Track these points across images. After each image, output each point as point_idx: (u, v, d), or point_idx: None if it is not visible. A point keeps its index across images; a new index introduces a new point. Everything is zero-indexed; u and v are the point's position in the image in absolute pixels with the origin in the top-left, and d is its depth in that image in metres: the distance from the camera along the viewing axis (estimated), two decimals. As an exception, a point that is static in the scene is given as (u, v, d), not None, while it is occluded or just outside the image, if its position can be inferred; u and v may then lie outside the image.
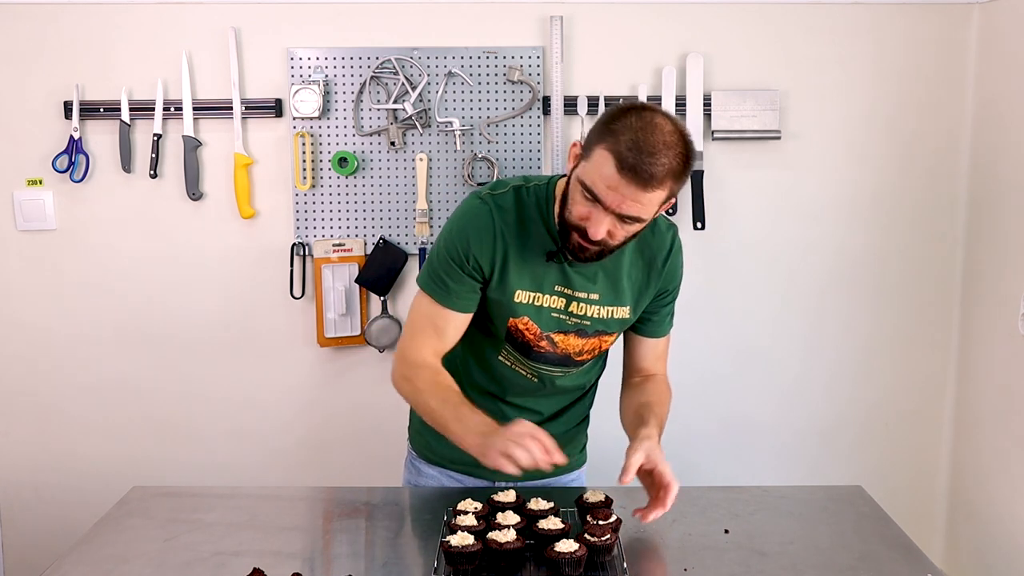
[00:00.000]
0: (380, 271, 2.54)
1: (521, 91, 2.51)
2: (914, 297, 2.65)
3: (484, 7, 2.50)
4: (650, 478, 1.65)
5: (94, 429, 2.64)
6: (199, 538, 1.70)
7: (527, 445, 1.56)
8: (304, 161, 2.51)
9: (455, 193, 2.54)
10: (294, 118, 2.50)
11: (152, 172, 2.52)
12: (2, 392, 2.63)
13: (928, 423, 2.70)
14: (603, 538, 1.56)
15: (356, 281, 2.56)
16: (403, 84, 2.48)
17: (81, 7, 2.47)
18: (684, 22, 2.51)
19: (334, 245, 2.55)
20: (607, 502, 1.70)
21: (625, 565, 1.56)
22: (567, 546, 1.52)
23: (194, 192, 2.53)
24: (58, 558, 1.65)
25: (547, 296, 1.75)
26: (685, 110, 2.51)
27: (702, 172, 2.52)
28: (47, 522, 2.67)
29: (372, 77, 2.49)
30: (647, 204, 1.56)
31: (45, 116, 2.50)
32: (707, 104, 2.51)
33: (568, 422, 1.96)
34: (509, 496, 1.72)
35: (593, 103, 2.50)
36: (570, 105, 2.50)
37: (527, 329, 1.77)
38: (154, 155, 2.50)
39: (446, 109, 2.51)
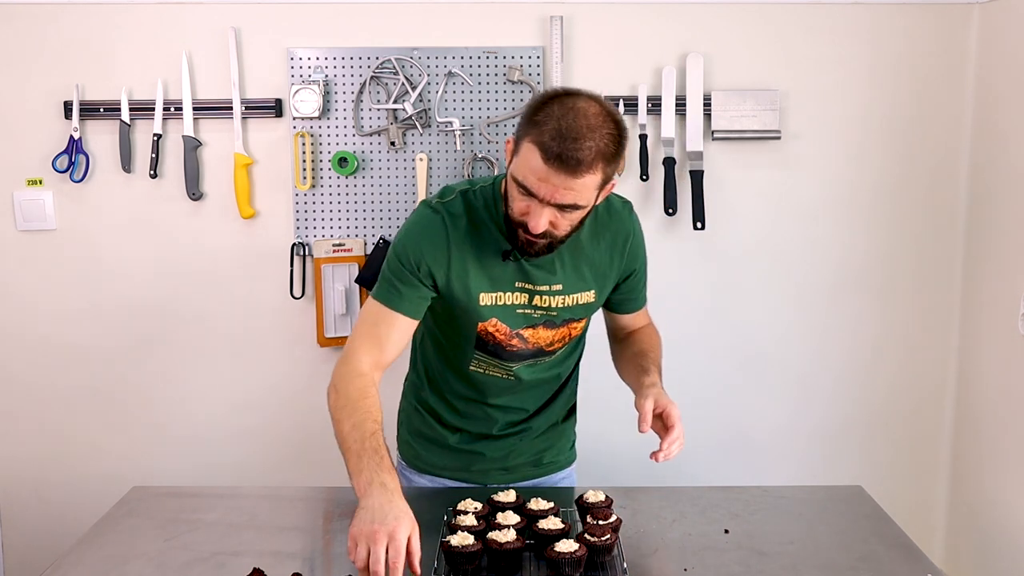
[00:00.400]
0: (380, 271, 2.53)
1: (521, 91, 2.51)
2: (914, 297, 2.65)
3: (484, 7, 2.50)
4: (660, 421, 1.69)
5: (94, 429, 2.64)
6: (199, 538, 1.70)
7: (375, 571, 1.39)
8: (304, 161, 2.51)
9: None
10: (294, 118, 2.50)
11: (152, 172, 2.52)
12: (2, 392, 2.63)
13: (928, 423, 2.70)
14: (603, 538, 1.56)
15: (356, 281, 2.56)
16: (403, 84, 2.48)
17: (81, 7, 2.47)
18: (684, 22, 2.51)
19: (334, 245, 2.55)
20: (607, 502, 1.70)
21: (625, 565, 1.56)
22: (567, 546, 1.52)
23: (194, 192, 2.53)
24: (58, 558, 1.65)
25: (510, 294, 1.75)
26: (685, 110, 2.51)
27: (702, 172, 2.52)
28: (47, 522, 2.67)
29: (372, 77, 2.49)
30: (581, 190, 1.54)
31: (45, 116, 2.50)
32: (707, 104, 2.51)
33: (553, 415, 1.96)
34: (509, 496, 1.72)
35: (593, 103, 2.50)
36: (570, 105, 2.50)
37: (497, 330, 1.76)
38: (154, 155, 2.50)
39: (446, 109, 2.51)
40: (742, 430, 2.70)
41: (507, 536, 1.55)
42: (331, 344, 2.58)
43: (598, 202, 1.65)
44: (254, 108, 2.50)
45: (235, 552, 1.64)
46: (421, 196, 2.52)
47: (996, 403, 2.45)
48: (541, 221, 1.57)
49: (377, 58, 2.48)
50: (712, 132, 2.52)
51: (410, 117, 2.48)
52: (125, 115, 2.49)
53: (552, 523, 1.61)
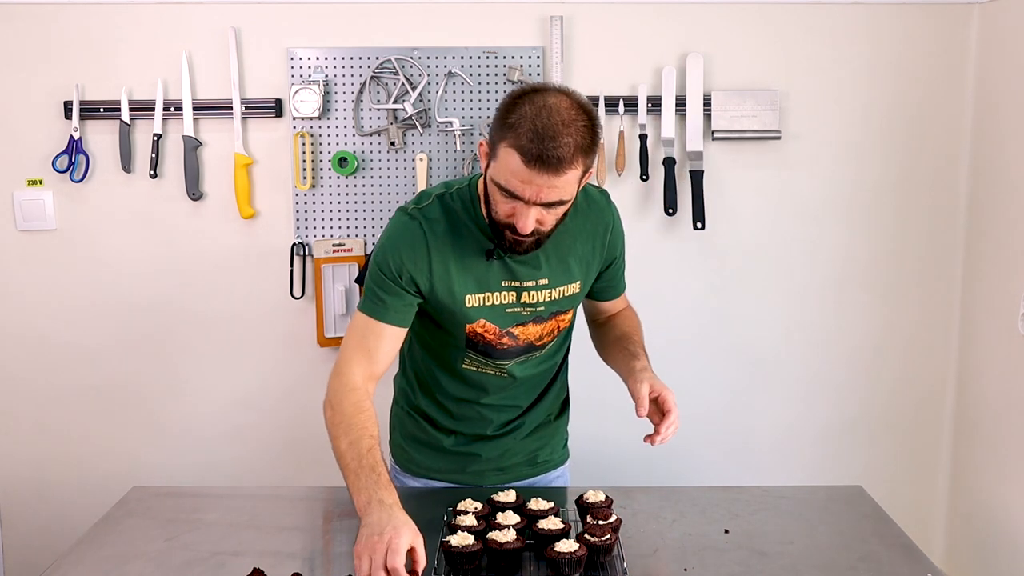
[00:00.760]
0: (380, 271, 2.54)
1: (521, 91, 2.50)
2: (914, 297, 2.65)
3: (484, 7, 2.50)
4: (655, 406, 1.71)
5: (94, 429, 2.64)
6: (199, 538, 1.70)
7: (375, 569, 1.42)
8: (304, 161, 2.51)
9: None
10: (294, 118, 2.50)
11: (152, 172, 2.52)
12: (2, 392, 2.63)
13: (928, 423, 2.70)
14: (603, 538, 1.56)
15: (356, 281, 2.56)
16: (403, 84, 2.48)
17: (81, 7, 2.47)
18: (684, 22, 2.51)
19: (334, 245, 2.55)
20: (607, 502, 1.70)
21: (625, 565, 1.56)
22: (567, 546, 1.52)
23: (194, 192, 2.53)
24: (58, 558, 1.65)
25: (497, 294, 1.75)
26: (685, 110, 2.51)
27: (702, 172, 2.52)
28: (47, 522, 2.67)
29: (372, 77, 2.49)
30: (564, 186, 1.55)
31: (45, 116, 2.50)
32: (707, 104, 2.51)
33: (546, 410, 1.96)
34: (509, 496, 1.72)
35: (593, 103, 2.49)
36: (570, 105, 2.50)
37: (485, 331, 1.76)
38: (154, 155, 2.50)
39: (446, 109, 2.51)
40: (742, 430, 2.70)
41: (507, 536, 1.55)
42: (331, 344, 2.58)
43: (577, 192, 1.65)
44: (254, 108, 2.50)
45: (235, 552, 1.64)
46: (421, 196, 2.52)
47: (996, 403, 2.45)
48: (529, 222, 1.57)
49: (377, 58, 2.48)
50: (712, 132, 2.52)
51: (410, 117, 2.48)
52: (125, 115, 2.49)
53: (552, 523, 1.61)
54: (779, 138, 2.54)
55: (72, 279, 2.58)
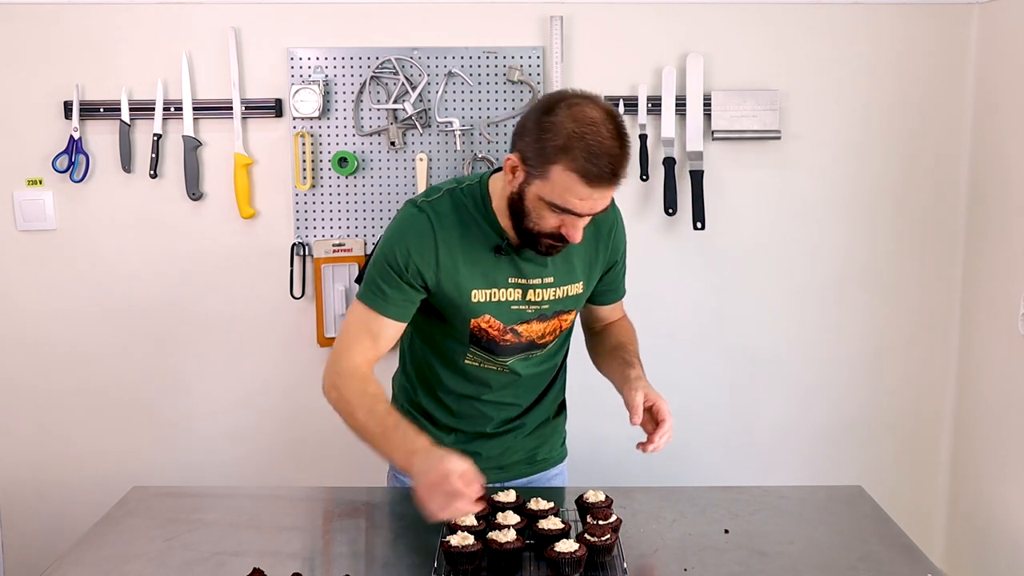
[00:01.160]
0: (380, 271, 2.54)
1: (521, 91, 2.51)
2: (914, 297, 2.65)
3: (484, 7, 2.50)
4: (648, 415, 1.72)
5: (94, 429, 2.64)
6: (199, 538, 1.70)
7: (459, 508, 1.50)
8: (304, 161, 2.51)
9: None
10: (294, 118, 2.50)
11: (152, 172, 2.52)
12: (2, 392, 2.63)
13: (928, 423, 2.70)
14: (603, 538, 1.56)
15: (356, 281, 2.56)
16: (403, 84, 2.48)
17: (81, 7, 2.47)
18: (684, 22, 2.51)
19: (334, 245, 2.55)
20: (607, 502, 1.70)
21: (625, 565, 1.56)
22: (567, 546, 1.52)
23: (194, 192, 2.53)
24: (58, 558, 1.65)
25: (503, 290, 1.76)
26: (685, 110, 2.51)
27: (702, 172, 2.52)
28: (47, 522, 2.67)
29: (372, 77, 2.49)
30: (613, 192, 1.61)
31: (45, 116, 2.50)
32: (707, 104, 2.51)
33: (546, 410, 1.97)
34: (509, 496, 1.72)
35: (593, 103, 2.50)
36: (570, 105, 2.50)
37: (490, 326, 1.77)
38: (154, 155, 2.50)
39: (446, 109, 2.51)
40: (742, 430, 2.70)
41: (507, 536, 1.55)
42: (331, 344, 2.57)
43: None
44: (254, 108, 2.50)
45: (235, 552, 1.64)
46: (421, 196, 2.52)
47: (996, 403, 2.45)
48: (580, 232, 1.63)
49: (377, 58, 2.48)
50: (712, 132, 2.52)
51: (410, 117, 2.48)
52: (125, 115, 2.49)
53: (552, 523, 1.61)
54: (779, 138, 2.54)
55: (72, 279, 2.58)
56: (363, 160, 2.53)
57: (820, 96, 2.55)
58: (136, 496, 1.90)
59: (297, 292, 2.57)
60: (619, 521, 1.66)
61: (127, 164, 2.51)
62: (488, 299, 1.75)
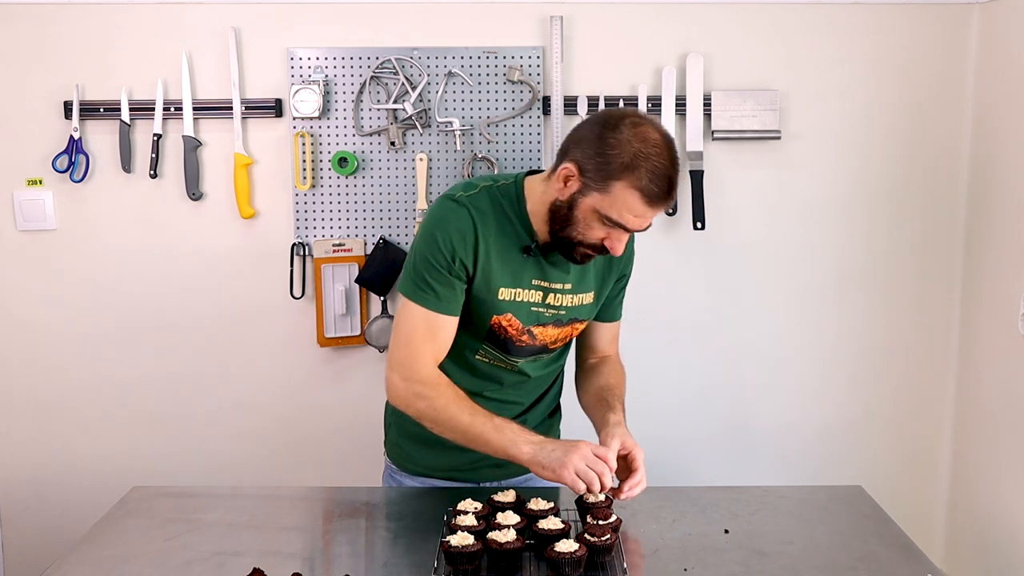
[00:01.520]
0: (380, 271, 2.54)
1: (521, 91, 2.50)
2: (914, 297, 2.65)
3: (484, 7, 2.50)
4: (623, 462, 1.73)
5: (94, 429, 2.64)
6: (199, 538, 1.70)
7: (601, 471, 1.63)
8: (304, 161, 2.51)
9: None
10: (294, 118, 2.50)
11: (152, 172, 2.52)
12: (2, 392, 2.63)
13: (928, 423, 2.70)
14: (603, 538, 1.56)
15: (356, 281, 2.56)
16: (403, 84, 2.48)
17: (81, 7, 2.47)
18: (684, 22, 2.51)
19: (334, 245, 2.55)
20: (607, 502, 1.70)
21: (625, 565, 1.56)
22: (567, 546, 1.52)
23: (194, 192, 2.53)
24: (58, 558, 1.65)
25: (526, 291, 1.79)
26: (685, 110, 2.51)
27: (702, 172, 2.52)
28: (47, 522, 2.67)
29: (372, 77, 2.49)
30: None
31: (45, 116, 2.50)
32: (707, 104, 2.51)
33: (544, 410, 1.99)
34: (509, 496, 1.72)
35: (593, 103, 2.50)
36: (570, 105, 2.50)
37: (510, 325, 1.79)
38: (154, 155, 2.50)
39: (446, 109, 2.51)
40: (742, 430, 2.70)
41: (507, 536, 1.55)
42: (331, 344, 2.58)
43: None
44: (254, 108, 2.50)
45: (235, 552, 1.64)
46: (421, 196, 2.52)
47: (996, 403, 2.44)
48: (623, 245, 1.71)
49: (377, 58, 2.48)
50: (712, 132, 2.52)
51: (410, 117, 2.48)
52: (125, 115, 2.49)
53: (552, 523, 1.61)
54: (779, 138, 2.54)
55: (72, 279, 2.58)
56: (363, 160, 2.53)
57: (820, 96, 2.55)
58: (136, 496, 1.90)
59: (297, 292, 2.57)
60: (619, 521, 1.66)
61: (127, 164, 2.51)
62: (512, 298, 1.78)
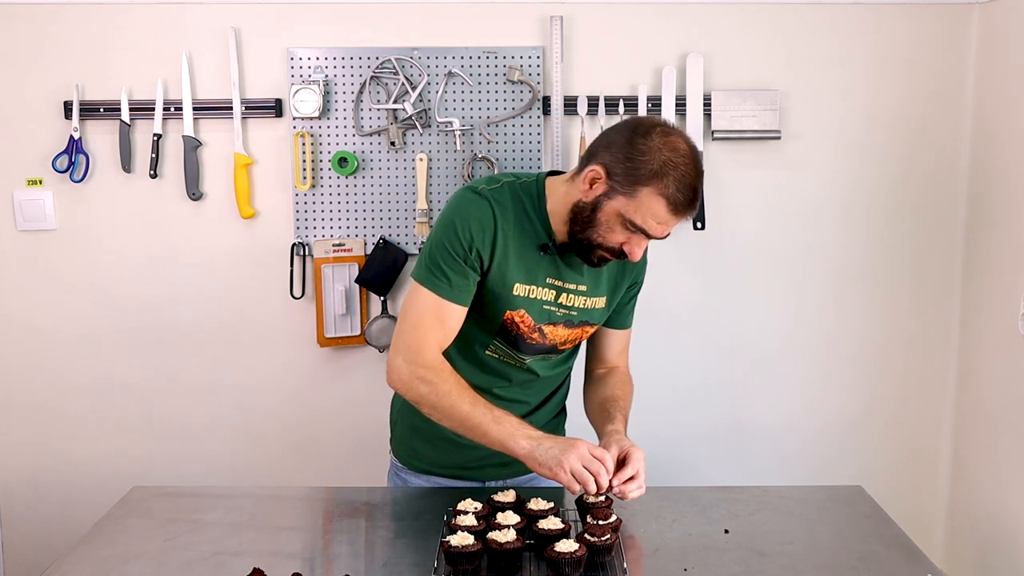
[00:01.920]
0: (380, 271, 2.54)
1: (521, 91, 2.50)
2: (914, 297, 2.65)
3: (484, 7, 2.50)
4: (620, 464, 1.73)
5: (94, 429, 2.64)
6: (199, 538, 1.70)
7: (596, 471, 1.62)
8: (304, 161, 2.51)
9: (454, 193, 2.53)
10: (294, 118, 2.50)
11: (152, 172, 2.52)
12: (2, 392, 2.63)
13: (928, 423, 2.70)
14: (603, 538, 1.56)
15: (356, 281, 2.56)
16: (403, 84, 2.48)
17: (81, 7, 2.47)
18: (684, 22, 2.51)
19: (334, 245, 2.55)
20: (607, 502, 1.70)
21: (625, 565, 1.56)
22: (567, 546, 1.52)
23: (194, 192, 2.53)
24: (58, 558, 1.65)
25: (540, 289, 1.80)
26: (685, 110, 2.51)
27: (702, 172, 2.52)
28: (47, 522, 2.67)
29: (372, 77, 2.49)
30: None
31: (45, 116, 2.50)
32: (707, 104, 2.51)
33: (551, 411, 2.00)
34: (509, 496, 1.72)
35: (593, 103, 2.50)
36: (570, 105, 2.50)
37: (522, 321, 1.80)
38: (154, 155, 2.50)
39: (446, 109, 2.51)
40: (742, 430, 2.70)
41: (507, 536, 1.55)
42: (331, 344, 2.58)
43: None
44: (254, 108, 2.50)
45: (235, 552, 1.64)
46: (421, 196, 2.52)
47: (996, 403, 2.44)
48: (642, 251, 1.73)
49: (377, 58, 2.48)
50: (712, 132, 2.52)
51: (410, 117, 2.48)
52: (125, 115, 2.49)
53: (552, 523, 1.61)
54: (779, 138, 2.54)
55: (72, 279, 2.58)
56: (363, 160, 2.53)
57: (820, 96, 2.55)
58: (136, 496, 1.90)
59: (297, 292, 2.57)
60: (619, 521, 1.66)
61: (127, 164, 2.51)
62: (526, 294, 1.79)
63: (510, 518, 1.62)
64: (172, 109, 2.49)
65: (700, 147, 2.51)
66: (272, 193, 2.56)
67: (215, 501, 1.89)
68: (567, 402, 2.07)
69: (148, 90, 2.49)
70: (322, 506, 1.96)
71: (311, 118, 2.49)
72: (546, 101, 2.51)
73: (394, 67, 2.48)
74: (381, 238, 2.54)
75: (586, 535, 1.57)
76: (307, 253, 2.56)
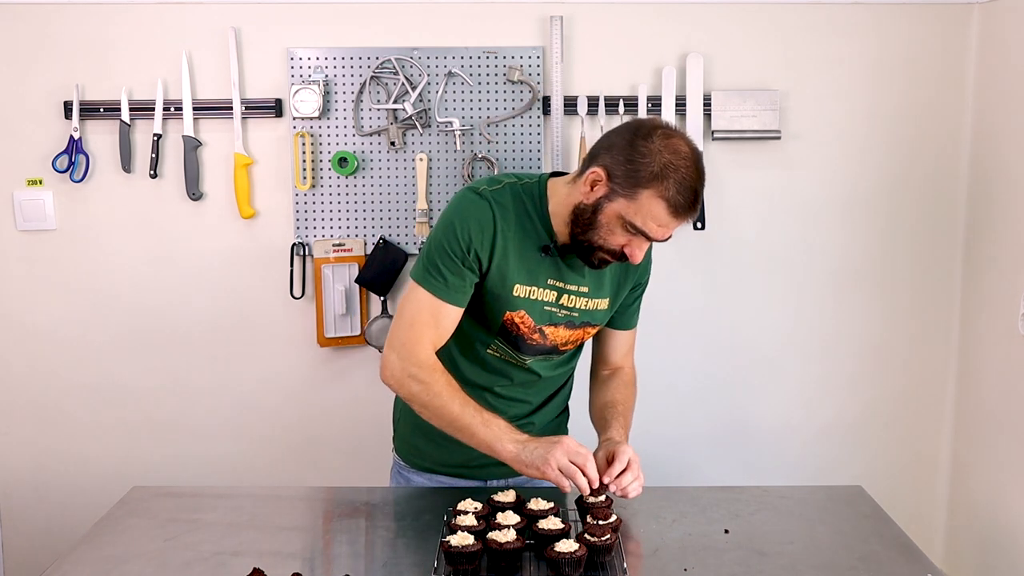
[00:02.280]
0: (380, 271, 2.54)
1: (521, 91, 2.50)
2: (914, 297, 2.65)
3: (484, 7, 2.50)
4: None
5: (94, 429, 2.64)
6: (199, 538, 1.70)
7: (582, 464, 1.63)
8: (304, 161, 2.51)
9: (455, 193, 2.54)
10: (294, 118, 2.50)
11: (152, 172, 2.52)
12: (2, 392, 2.63)
13: (928, 423, 2.70)
14: (603, 538, 1.56)
15: (356, 281, 2.56)
16: (403, 84, 2.48)
17: (81, 7, 2.47)
18: (684, 22, 2.51)
19: (334, 245, 2.55)
20: (607, 502, 1.70)
21: (625, 565, 1.56)
22: (567, 546, 1.52)
23: (194, 192, 2.53)
24: (58, 558, 1.65)
25: (541, 290, 1.80)
26: (685, 110, 2.51)
27: (703, 175, 2.52)
28: (47, 522, 2.67)
29: (372, 77, 2.49)
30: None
31: (45, 116, 2.50)
32: (707, 104, 2.51)
33: (553, 411, 2.00)
34: (509, 496, 1.72)
35: (593, 103, 2.50)
36: (570, 105, 2.50)
37: (522, 322, 1.80)
38: (154, 155, 2.50)
39: (446, 109, 2.51)
40: (742, 430, 2.70)
41: (507, 536, 1.55)
42: (331, 344, 2.58)
43: None
44: (254, 108, 2.50)
45: (235, 552, 1.64)
46: (421, 196, 2.52)
47: (996, 403, 2.45)
48: (642, 253, 1.72)
49: (377, 58, 2.48)
50: (712, 132, 2.52)
51: (410, 117, 2.48)
52: (125, 115, 2.49)
53: (552, 523, 1.61)
54: (779, 138, 2.54)
55: (72, 279, 2.58)
56: (363, 160, 2.53)
57: (820, 96, 2.55)
58: (136, 496, 1.90)
59: (297, 292, 2.57)
60: (619, 521, 1.66)
61: (127, 164, 2.51)
62: (527, 295, 1.79)
63: (510, 518, 1.62)
64: (172, 109, 2.49)
65: (700, 147, 2.51)
66: (272, 193, 2.56)
67: (215, 501, 1.89)
68: (570, 402, 2.07)
69: (148, 90, 2.49)
70: (322, 506, 1.96)
71: (311, 118, 2.49)
72: (546, 101, 2.51)
73: (394, 67, 2.48)
74: (381, 238, 2.54)
75: (586, 535, 1.57)
76: (307, 253, 2.56)
